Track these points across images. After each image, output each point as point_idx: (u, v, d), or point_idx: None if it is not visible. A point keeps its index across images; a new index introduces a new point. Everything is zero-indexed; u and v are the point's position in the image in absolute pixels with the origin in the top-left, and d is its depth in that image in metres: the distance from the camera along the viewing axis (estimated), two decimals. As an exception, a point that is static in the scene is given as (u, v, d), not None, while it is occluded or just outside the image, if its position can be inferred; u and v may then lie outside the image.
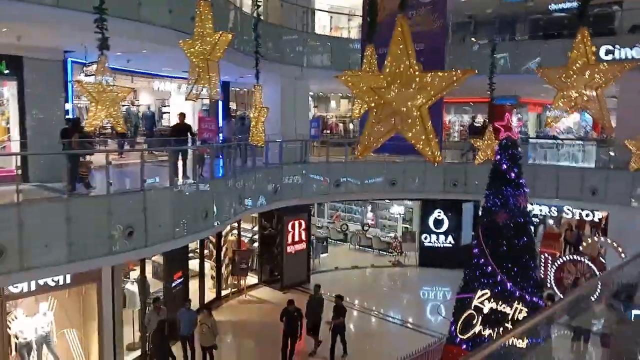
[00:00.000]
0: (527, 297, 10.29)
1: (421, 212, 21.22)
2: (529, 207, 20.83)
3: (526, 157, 19.26)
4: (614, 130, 15.33)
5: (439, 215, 20.80)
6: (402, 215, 23.02)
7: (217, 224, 12.46)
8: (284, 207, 17.25)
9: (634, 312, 14.16)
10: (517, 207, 10.51)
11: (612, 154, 16.92)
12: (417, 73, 4.11)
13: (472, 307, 10.64)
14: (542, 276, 17.20)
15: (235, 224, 17.76)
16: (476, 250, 10.85)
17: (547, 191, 17.94)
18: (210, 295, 16.42)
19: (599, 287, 15.45)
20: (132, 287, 12.82)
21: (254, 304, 16.60)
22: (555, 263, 16.91)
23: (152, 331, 11.24)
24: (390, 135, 4.40)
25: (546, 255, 17.88)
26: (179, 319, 12.06)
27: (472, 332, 10.57)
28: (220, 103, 18.89)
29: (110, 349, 11.36)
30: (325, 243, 22.17)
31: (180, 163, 12.39)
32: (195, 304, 15.40)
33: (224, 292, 16.96)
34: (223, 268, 17.45)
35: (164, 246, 10.77)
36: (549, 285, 17.02)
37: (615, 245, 16.85)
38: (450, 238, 20.78)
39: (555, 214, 19.60)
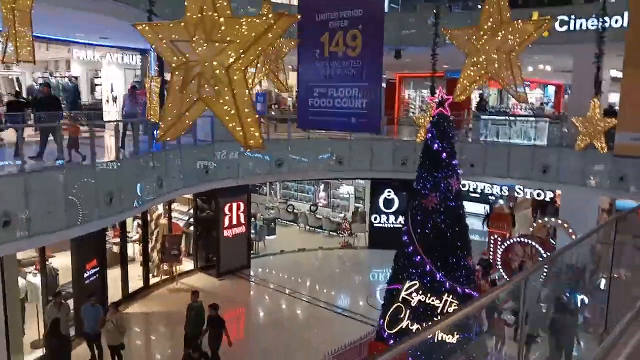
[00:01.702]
0: (458, 288, 9.41)
1: (371, 192, 20.25)
2: (474, 186, 20.27)
3: (477, 134, 18.50)
4: (527, 101, 14.48)
5: (389, 195, 19.87)
6: (352, 195, 22.05)
7: (125, 209, 11.17)
8: (221, 188, 16.02)
9: (579, 297, 13.55)
10: (449, 190, 9.54)
11: (565, 130, 16.11)
12: (221, 18, 2.92)
13: (400, 300, 9.73)
14: (491, 258, 16.52)
15: (164, 206, 16.52)
16: (405, 237, 9.89)
17: (498, 170, 17.15)
18: (138, 283, 15.19)
19: (545, 271, 14.77)
20: (35, 280, 11.53)
21: (185, 292, 15.37)
22: (504, 244, 16.20)
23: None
24: (200, 110, 3.22)
25: (495, 236, 17.18)
26: (82, 315, 10.85)
27: (399, 326, 9.67)
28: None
29: (3, 346, 10.10)
30: (273, 224, 21.07)
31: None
32: (117, 295, 14.24)
33: (154, 280, 15.75)
34: (155, 254, 16.24)
35: (53, 237, 9.46)
36: (498, 267, 16.37)
37: (565, 226, 16.22)
38: (401, 218, 19.88)
39: (507, 193, 18.88)
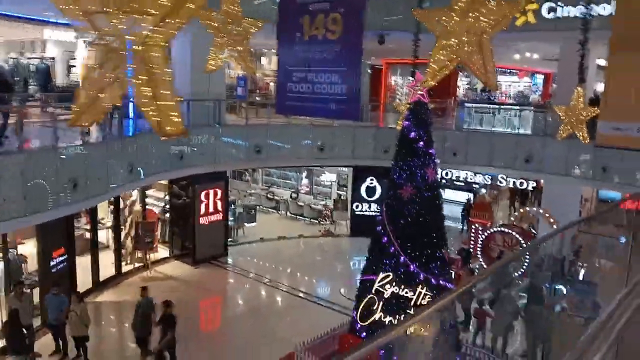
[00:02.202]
0: (432, 279, 9.15)
1: (353, 180, 19.93)
2: (457, 175, 20.02)
3: (459, 122, 18.21)
4: (497, 89, 14.20)
5: (371, 183, 19.57)
6: (335, 183, 21.73)
7: (91, 196, 10.72)
8: (197, 175, 15.58)
9: (558, 286, 13.40)
10: (425, 180, 9.23)
11: (549, 119, 15.85)
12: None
13: (373, 291, 9.46)
14: (472, 248, 16.34)
15: (139, 193, 16.06)
16: (379, 228, 9.59)
17: (481, 158, 16.92)
18: (110, 271, 14.77)
19: (525, 261, 14.58)
20: (-3, 268, 11.11)
21: (159, 280, 15.06)
22: (484, 234, 16.02)
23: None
24: (118, 92, 2.82)
25: (476, 225, 16.98)
26: (46, 305, 10.45)
27: (372, 318, 9.41)
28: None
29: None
30: (253, 212, 20.67)
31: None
32: (88, 283, 13.83)
33: (127, 268, 15.35)
34: (128, 241, 15.81)
35: (9, 225, 9.01)
36: (478, 257, 16.20)
37: (547, 215, 16.06)
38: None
39: (489, 182, 18.67)
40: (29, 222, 9.45)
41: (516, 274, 14.92)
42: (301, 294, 14.61)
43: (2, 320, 10.98)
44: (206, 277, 15.65)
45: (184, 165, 14.61)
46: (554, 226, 15.86)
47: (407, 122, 9.28)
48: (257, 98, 24.02)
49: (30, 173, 9.28)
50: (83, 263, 13.87)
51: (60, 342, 10.57)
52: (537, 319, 10.98)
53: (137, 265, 15.61)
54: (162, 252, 16.88)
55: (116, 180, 11.78)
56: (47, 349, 10.76)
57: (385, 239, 9.37)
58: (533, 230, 17.09)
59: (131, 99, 16.45)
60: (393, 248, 9.25)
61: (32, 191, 9.24)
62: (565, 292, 13.77)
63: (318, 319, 12.59)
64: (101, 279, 14.27)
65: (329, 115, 17.81)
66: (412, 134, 9.20)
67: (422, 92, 9.06)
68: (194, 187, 15.85)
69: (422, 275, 9.10)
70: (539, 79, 34.27)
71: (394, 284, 9.22)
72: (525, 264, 15.15)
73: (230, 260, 17.01)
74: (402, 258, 9.16)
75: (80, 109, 2.84)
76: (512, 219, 16.64)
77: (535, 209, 16.64)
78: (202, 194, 16.11)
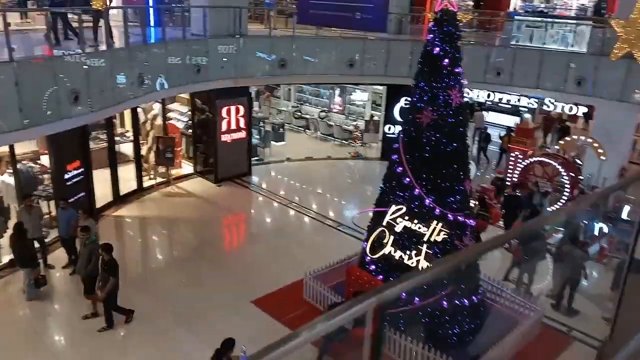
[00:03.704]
0: (449, 215, 8.34)
1: (386, 100, 18.68)
2: (504, 97, 18.28)
3: (510, 37, 16.35)
4: None
5: (406, 104, 18.27)
6: (367, 102, 20.53)
7: (97, 109, 10.23)
8: (219, 89, 14.83)
9: (597, 225, 12.31)
10: (448, 104, 8.14)
11: (608, 36, 13.86)
12: None
13: (384, 224, 8.78)
14: (509, 177, 15.22)
15: (158, 106, 15.59)
16: (394, 156, 8.71)
17: (527, 79, 15.27)
18: (132, 185, 14.70)
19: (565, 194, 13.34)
20: (9, 179, 11.05)
21: (179, 197, 14.93)
22: (523, 163, 14.81)
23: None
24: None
25: (516, 153, 15.71)
26: (57, 219, 10.40)
27: (381, 252, 8.81)
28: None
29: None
30: (281, 130, 19.98)
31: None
32: (107, 196, 13.82)
33: (149, 183, 15.24)
34: (151, 156, 15.60)
35: (8, 137, 8.69)
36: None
37: (596, 145, 14.61)
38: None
39: (535, 105, 17.04)
40: (28, 135, 9.12)
41: (552, 208, 13.85)
42: (325, 218, 14.12)
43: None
44: (227, 195, 15.38)
45: (201, 79, 13.87)
46: (602, 158, 14.45)
47: (430, 36, 8.04)
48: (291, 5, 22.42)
49: (28, 84, 8.79)
50: (106, 176, 13.83)
51: (73, 256, 10.61)
52: (568, 259, 10.12)
53: (159, 180, 15.48)
54: (187, 168, 16.68)
55: (125, 93, 11.22)
56: (61, 261, 10.89)
57: (400, 168, 8.52)
58: (578, 162, 15.67)
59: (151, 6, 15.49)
60: (408, 179, 8.41)
61: (31, 102, 8.80)
62: (606, 230, 12.72)
63: (341, 245, 12.06)
64: (122, 193, 14.23)
65: (352, 26, 16.48)
66: (436, 50, 7.99)
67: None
68: (214, 103, 15.17)
69: (437, 210, 8.29)
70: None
71: (406, 217, 8.48)
72: (564, 198, 14.01)
73: (254, 180, 16.62)
74: (416, 190, 8.33)
75: None
76: (557, 147, 15.23)
77: (583, 137, 15.11)
78: (224, 110, 15.43)
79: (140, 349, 8.74)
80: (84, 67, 9.90)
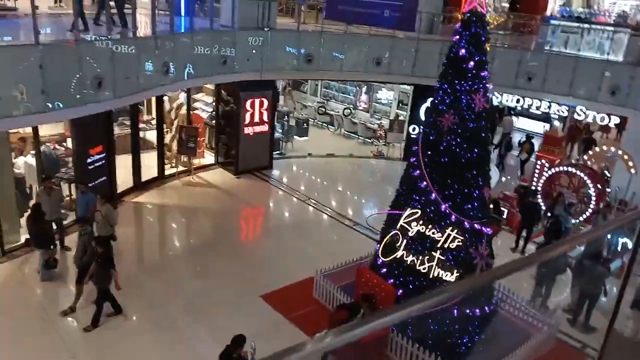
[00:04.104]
0: (465, 222, 8.14)
1: (412, 100, 18.41)
2: (536, 103, 17.78)
3: (544, 42, 15.90)
4: None
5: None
6: (394, 101, 20.26)
7: (118, 96, 10.32)
8: (244, 82, 14.83)
9: (621, 240, 11.88)
10: (471, 108, 7.92)
11: (647, 45, 13.37)
12: None
13: (398, 227, 8.62)
14: (534, 185, 14.82)
15: (184, 96, 15.67)
16: (413, 159, 8.54)
17: (560, 86, 14.83)
18: (153, 173, 14.84)
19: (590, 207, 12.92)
20: (32, 161, 11.27)
21: (199, 187, 15.01)
22: (549, 172, 14.39)
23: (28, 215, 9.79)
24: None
25: (543, 161, 15.27)
26: (76, 202, 10.56)
27: (393, 255, 8.67)
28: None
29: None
30: (305, 125, 19.92)
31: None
32: (129, 182, 13.99)
33: (170, 171, 15.37)
34: (174, 144, 15.72)
35: (17, 122, 8.81)
36: (538, 196, 14.72)
37: (626, 158, 14.09)
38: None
39: (565, 113, 16.54)
40: (40, 121, 9.22)
41: (575, 221, 13.45)
42: (342, 217, 14.00)
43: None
44: (247, 188, 15.40)
45: (226, 71, 13.88)
46: (632, 171, 13.93)
47: (456, 37, 7.82)
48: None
49: (51, 67, 8.91)
50: (128, 162, 14.01)
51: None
52: (589, 274, 9.78)
53: (180, 169, 15.60)
54: (208, 158, 16.77)
55: (149, 81, 11.30)
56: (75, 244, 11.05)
57: (418, 172, 8.34)
58: (607, 174, 15.16)
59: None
60: (425, 183, 8.23)
61: (52, 86, 8.92)
62: (629, 245, 12.25)
63: (356, 244, 11.90)
64: (143, 179, 14.39)
65: (380, 24, 16.24)
66: (462, 52, 7.78)
67: (479, 0, 7.49)
68: (238, 95, 15.18)
69: (453, 217, 8.09)
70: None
71: (421, 222, 8.31)
72: (589, 211, 13.56)
73: (274, 174, 16.61)
74: (433, 195, 8.15)
75: None
76: (585, 157, 14.74)
77: (613, 149, 14.59)
78: (248, 103, 15.43)
79: (147, 335, 8.80)
80: (111, 52, 9.99)
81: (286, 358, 1.20)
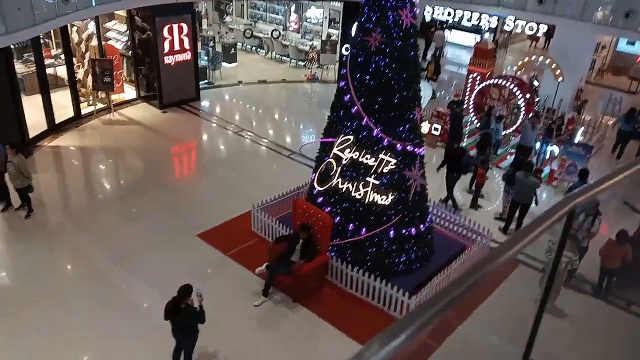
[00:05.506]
0: (398, 145, 7.99)
1: (343, 17, 17.66)
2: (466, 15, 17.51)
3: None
4: None
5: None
6: (324, 19, 19.41)
7: (13, 30, 9.09)
8: (158, 6, 13.52)
9: (550, 148, 12.25)
10: (398, 25, 7.51)
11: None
12: None
13: (332, 155, 8.38)
14: (465, 100, 14.90)
15: (93, 25, 14.20)
16: (342, 83, 8.14)
17: (488, -4, 14.56)
18: (68, 113, 13.67)
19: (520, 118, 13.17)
20: None
21: (121, 124, 14.03)
22: (480, 85, 14.46)
23: None
24: None
25: (474, 75, 15.31)
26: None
27: (328, 184, 8.49)
28: None
29: None
30: (233, 51, 18.81)
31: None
32: (42, 125, 12.84)
33: (87, 110, 14.22)
34: (88, 80, 14.43)
35: None
36: (470, 111, 14.87)
37: (553, 66, 14.32)
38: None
39: (494, 25, 16.44)
40: None
41: (506, 132, 13.75)
42: (279, 147, 13.55)
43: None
44: (174, 122, 14.56)
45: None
46: (560, 79, 14.22)
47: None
48: None
49: None
50: (38, 104, 12.78)
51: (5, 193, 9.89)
52: (520, 184, 10.07)
53: (99, 106, 14.46)
54: (130, 93, 15.61)
55: (44, 12, 10.02)
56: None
57: (347, 96, 7.99)
58: (536, 83, 15.44)
59: None
60: (355, 108, 7.91)
61: None
62: (557, 153, 12.72)
63: (295, 175, 11.52)
64: (57, 121, 13.24)
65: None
66: (386, -38, 7.21)
67: None
68: (153, 21, 13.91)
69: (386, 141, 7.90)
70: None
71: (354, 148, 8.08)
72: (519, 122, 13.85)
73: (203, 105, 15.75)
74: (364, 120, 7.87)
75: None
76: (515, 67, 14.88)
77: (541, 58, 14.76)
78: (165, 29, 14.21)
79: (78, 288, 8.34)
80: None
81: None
